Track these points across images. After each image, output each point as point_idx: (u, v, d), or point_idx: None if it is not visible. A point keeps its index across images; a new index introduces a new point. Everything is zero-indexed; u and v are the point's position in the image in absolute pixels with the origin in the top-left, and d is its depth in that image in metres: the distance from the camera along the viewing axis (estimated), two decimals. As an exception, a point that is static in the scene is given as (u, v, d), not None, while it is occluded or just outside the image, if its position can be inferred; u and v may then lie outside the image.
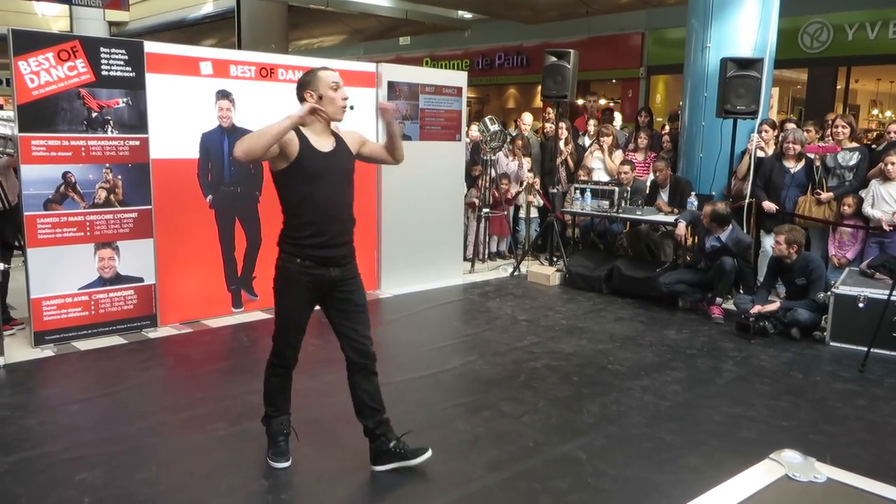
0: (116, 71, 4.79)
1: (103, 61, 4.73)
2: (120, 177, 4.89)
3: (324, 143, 3.00)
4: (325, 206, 3.00)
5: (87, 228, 4.81)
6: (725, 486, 1.24)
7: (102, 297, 4.93)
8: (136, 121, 4.92)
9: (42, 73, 4.51)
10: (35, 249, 4.64)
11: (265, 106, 5.53)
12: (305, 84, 2.98)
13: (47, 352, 4.67)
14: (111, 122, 4.81)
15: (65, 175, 4.68)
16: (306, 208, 2.98)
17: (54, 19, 15.81)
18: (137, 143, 4.94)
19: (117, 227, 4.93)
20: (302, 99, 2.98)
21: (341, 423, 3.74)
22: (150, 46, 4.98)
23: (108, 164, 4.84)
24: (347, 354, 3.12)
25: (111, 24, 15.48)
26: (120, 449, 3.33)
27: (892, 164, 5.68)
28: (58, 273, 4.73)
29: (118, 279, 4.98)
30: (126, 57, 4.82)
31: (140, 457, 3.26)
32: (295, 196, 2.98)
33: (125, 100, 4.85)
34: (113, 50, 4.79)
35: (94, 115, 4.73)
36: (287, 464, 3.19)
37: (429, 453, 3.17)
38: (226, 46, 13.04)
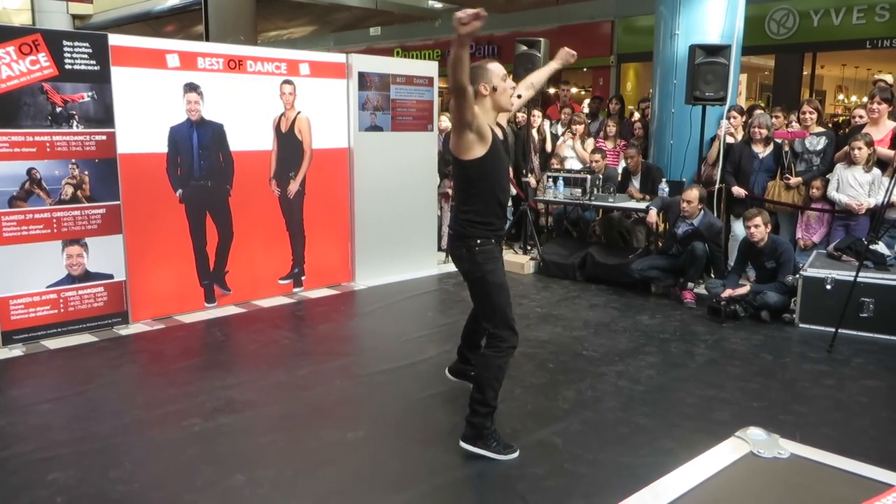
0: (80, 64, 4.71)
1: (66, 55, 4.64)
2: (87, 172, 4.81)
3: (497, 131, 3.17)
4: (505, 189, 3.24)
5: (54, 225, 4.73)
6: (692, 464, 1.26)
7: (72, 294, 4.86)
8: (103, 115, 4.84)
9: (3, 68, 4.41)
10: (0, 248, 4.55)
11: (234, 98, 5.48)
12: (478, 77, 3.08)
13: (16, 351, 4.59)
14: (76, 116, 4.73)
15: (30, 171, 4.59)
16: (496, 192, 3.17)
17: (16, 12, 15.45)
18: (104, 137, 4.86)
19: (85, 223, 4.85)
20: (476, 92, 3.04)
21: (318, 415, 3.74)
22: (115, 39, 4.90)
23: (74, 160, 4.75)
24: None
25: (75, 17, 15.18)
26: (93, 447, 3.29)
27: (859, 149, 5.77)
28: (25, 271, 4.65)
29: (87, 276, 4.90)
30: (90, 50, 4.73)
31: (114, 455, 3.23)
32: (489, 182, 3.13)
33: (90, 94, 4.77)
34: (76, 43, 4.69)
35: (58, 109, 4.65)
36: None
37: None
38: (193, 38, 12.86)
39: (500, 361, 3.20)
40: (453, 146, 3.08)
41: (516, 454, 3.22)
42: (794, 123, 6.65)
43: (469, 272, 3.21)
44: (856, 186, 5.84)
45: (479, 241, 3.15)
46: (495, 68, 3.14)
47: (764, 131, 6.37)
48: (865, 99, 6.44)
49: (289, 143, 5.88)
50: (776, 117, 6.88)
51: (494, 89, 3.12)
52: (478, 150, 3.02)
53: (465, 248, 3.17)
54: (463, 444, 3.22)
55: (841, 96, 14.88)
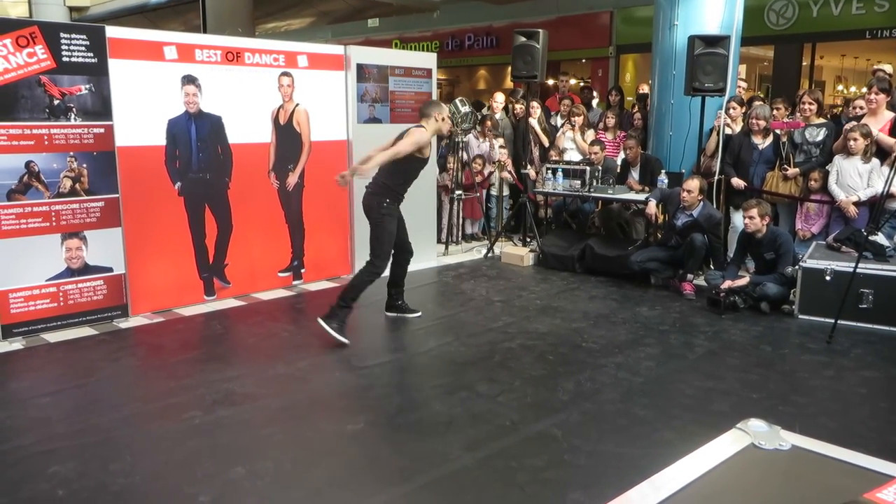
0: (78, 57, 4.68)
1: (64, 47, 4.62)
2: (85, 165, 4.80)
3: (429, 148, 4.82)
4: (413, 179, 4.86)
5: (53, 218, 4.72)
6: (694, 456, 1.26)
7: (71, 287, 4.85)
8: (100, 108, 4.82)
9: (0, 61, 4.39)
10: (-1, 241, 4.54)
11: (232, 90, 5.46)
12: (436, 109, 4.79)
13: (16, 345, 4.59)
14: (74, 109, 4.71)
15: (28, 164, 4.57)
16: (413, 177, 4.77)
17: (12, 5, 15.38)
18: (102, 130, 4.85)
19: (84, 216, 4.84)
20: (429, 115, 4.78)
21: (317, 407, 3.75)
22: (112, 31, 4.87)
23: (72, 153, 4.74)
24: (405, 248, 5.03)
25: (72, 9, 15.12)
26: (93, 440, 3.29)
27: (855, 140, 5.76)
28: (24, 265, 4.64)
29: (87, 269, 4.90)
30: (87, 42, 4.71)
31: (114, 448, 3.23)
32: (413, 170, 4.73)
33: (88, 86, 4.75)
34: (73, 35, 4.67)
35: (55, 102, 4.63)
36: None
37: (419, 314, 5.21)
38: (190, 30, 12.80)
39: (369, 278, 4.64)
40: (406, 147, 4.55)
41: (347, 342, 4.50)
42: (797, 114, 6.62)
43: (374, 218, 4.66)
44: (854, 176, 5.83)
45: (387, 201, 4.66)
46: (444, 109, 4.84)
47: (762, 122, 6.36)
48: (864, 89, 6.40)
49: (287, 136, 5.86)
50: (777, 109, 6.85)
51: (443, 119, 4.77)
52: (420, 153, 4.64)
53: (377, 202, 4.66)
54: (319, 320, 4.54)
55: (840, 87, 14.83)
